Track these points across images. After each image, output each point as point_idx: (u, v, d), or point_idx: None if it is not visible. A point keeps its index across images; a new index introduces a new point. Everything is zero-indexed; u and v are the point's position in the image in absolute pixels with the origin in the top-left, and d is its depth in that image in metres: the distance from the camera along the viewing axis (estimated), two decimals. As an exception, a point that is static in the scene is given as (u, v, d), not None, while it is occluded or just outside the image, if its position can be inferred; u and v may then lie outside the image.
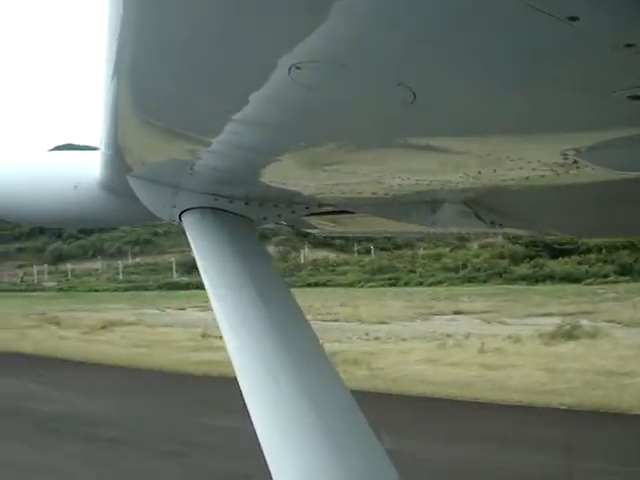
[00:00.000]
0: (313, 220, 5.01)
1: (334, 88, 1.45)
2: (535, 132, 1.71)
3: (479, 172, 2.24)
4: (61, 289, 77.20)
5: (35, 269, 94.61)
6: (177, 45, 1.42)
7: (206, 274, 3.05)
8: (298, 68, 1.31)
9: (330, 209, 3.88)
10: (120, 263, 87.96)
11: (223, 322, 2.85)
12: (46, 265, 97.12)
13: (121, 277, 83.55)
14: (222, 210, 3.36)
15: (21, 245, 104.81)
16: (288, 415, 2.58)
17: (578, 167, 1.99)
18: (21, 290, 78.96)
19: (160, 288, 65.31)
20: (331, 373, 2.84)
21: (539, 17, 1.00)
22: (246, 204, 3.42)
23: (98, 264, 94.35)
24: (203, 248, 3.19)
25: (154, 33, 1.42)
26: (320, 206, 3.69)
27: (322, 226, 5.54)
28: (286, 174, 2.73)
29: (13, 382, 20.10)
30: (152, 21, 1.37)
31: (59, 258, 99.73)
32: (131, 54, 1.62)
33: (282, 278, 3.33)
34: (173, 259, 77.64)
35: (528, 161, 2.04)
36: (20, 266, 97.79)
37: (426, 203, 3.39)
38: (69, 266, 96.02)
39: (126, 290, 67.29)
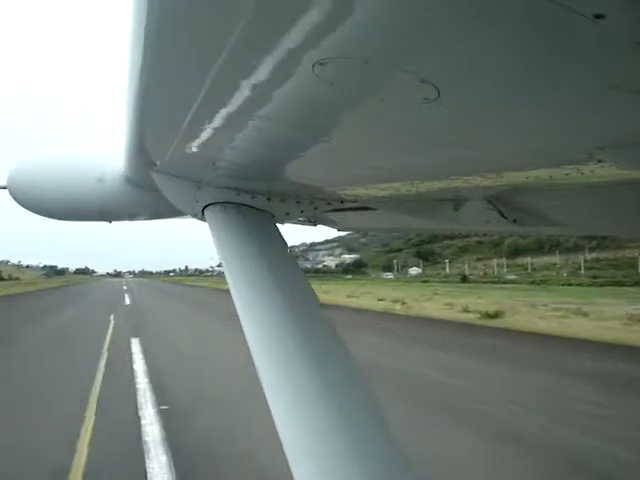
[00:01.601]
0: (335, 216, 5.01)
1: (357, 84, 1.45)
2: (559, 130, 1.70)
3: (502, 169, 2.23)
4: (533, 282, 78.25)
5: (494, 262, 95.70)
6: (201, 39, 1.43)
7: (228, 269, 3.07)
8: (322, 64, 1.31)
9: (352, 205, 3.88)
10: (581, 257, 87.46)
11: (244, 317, 2.86)
12: (504, 258, 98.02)
13: (583, 272, 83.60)
14: (244, 205, 3.37)
15: (480, 239, 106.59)
16: (307, 410, 2.57)
17: (602, 166, 1.97)
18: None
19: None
20: (353, 370, 2.82)
21: (564, 14, 0.99)
22: (268, 199, 3.43)
23: (555, 258, 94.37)
24: (225, 243, 3.21)
25: (178, 26, 1.43)
26: (342, 202, 3.69)
27: (344, 223, 5.55)
28: (308, 170, 2.74)
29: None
30: (177, 13, 1.38)
31: (516, 251, 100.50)
32: (156, 47, 1.64)
33: (303, 274, 3.33)
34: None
35: (552, 159, 2.03)
36: (478, 259, 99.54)
37: (449, 200, 3.38)
38: (528, 259, 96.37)
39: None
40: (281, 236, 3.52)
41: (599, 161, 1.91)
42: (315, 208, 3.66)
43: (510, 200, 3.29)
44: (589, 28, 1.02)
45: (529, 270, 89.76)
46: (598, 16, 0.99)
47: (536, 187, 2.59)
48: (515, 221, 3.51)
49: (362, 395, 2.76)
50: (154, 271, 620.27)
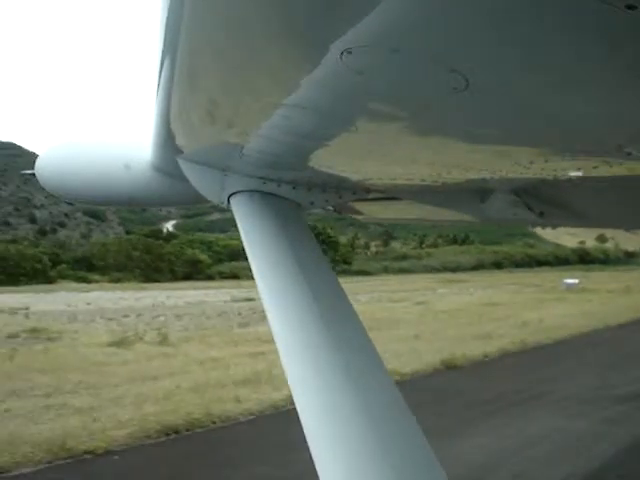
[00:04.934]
0: (359, 206, 5.01)
1: (385, 73, 1.44)
2: (589, 122, 1.68)
3: (531, 162, 2.21)
4: None
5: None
6: (230, 29, 1.44)
7: (253, 256, 3.08)
8: (350, 53, 1.31)
9: (377, 195, 3.87)
10: None
11: (268, 304, 2.87)
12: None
13: None
14: (270, 194, 3.38)
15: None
16: (332, 403, 2.56)
17: (632, 159, 1.95)
18: None
19: None
20: (377, 363, 2.80)
21: (596, 5, 0.98)
22: (294, 188, 3.43)
23: None
24: (250, 231, 3.22)
25: (208, 15, 1.44)
26: (367, 192, 3.69)
27: (368, 212, 5.54)
28: (335, 159, 2.74)
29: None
30: (206, 3, 1.39)
31: None
32: (185, 37, 1.65)
33: (328, 263, 3.33)
34: None
35: (581, 151, 2.01)
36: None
37: (475, 192, 3.36)
38: None
39: None
40: (306, 224, 3.52)
41: (628, 154, 1.89)
42: (340, 197, 3.66)
43: (538, 193, 3.27)
44: (621, 19, 1.01)
45: None
46: (630, 7, 0.98)
47: (564, 180, 2.56)
48: (542, 214, 3.48)
49: (386, 389, 2.74)
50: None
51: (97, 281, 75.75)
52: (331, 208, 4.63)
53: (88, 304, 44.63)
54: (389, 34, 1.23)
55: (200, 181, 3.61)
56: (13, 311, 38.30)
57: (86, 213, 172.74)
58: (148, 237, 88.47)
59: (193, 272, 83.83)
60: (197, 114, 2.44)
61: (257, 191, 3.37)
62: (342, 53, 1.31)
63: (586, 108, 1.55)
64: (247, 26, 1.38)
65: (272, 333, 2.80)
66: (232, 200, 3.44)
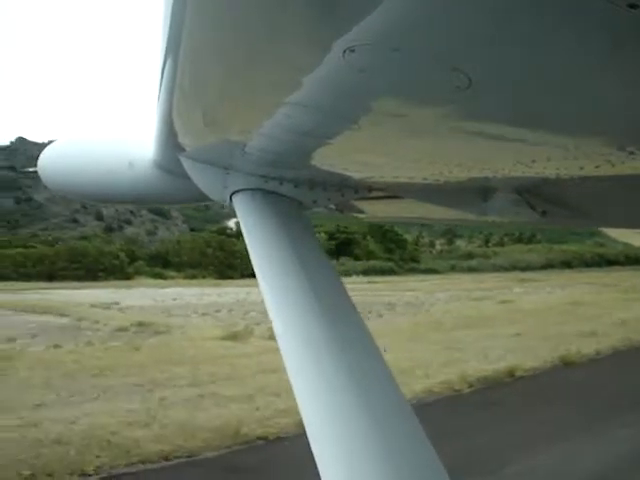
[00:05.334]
0: (362, 204, 5.01)
1: (388, 72, 1.44)
2: (591, 121, 1.68)
3: (533, 161, 2.21)
4: None
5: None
6: (232, 26, 1.44)
7: (255, 255, 3.09)
8: (352, 51, 1.31)
9: (380, 194, 3.87)
10: None
11: (270, 302, 2.87)
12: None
13: None
14: (272, 192, 3.39)
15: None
16: (334, 401, 2.56)
17: (634, 158, 1.94)
18: None
19: None
20: (379, 362, 2.80)
21: (598, 3, 0.98)
22: (296, 187, 3.44)
23: None
24: (252, 229, 3.22)
25: (210, 13, 1.44)
26: (370, 191, 3.69)
27: (371, 211, 5.54)
28: (337, 158, 2.74)
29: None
30: (208, 0, 1.39)
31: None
32: (188, 35, 1.65)
33: (330, 262, 3.33)
34: None
35: (583, 151, 2.00)
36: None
37: (477, 191, 3.36)
38: None
39: None
40: (308, 223, 3.52)
41: (631, 153, 1.89)
42: (342, 196, 3.66)
43: (540, 192, 3.26)
44: (623, 18, 1.01)
45: None
46: (633, 6, 0.98)
47: (566, 179, 2.56)
48: (544, 213, 3.48)
49: (389, 388, 2.74)
50: None
51: (172, 277, 79.22)
52: (333, 207, 4.63)
53: (174, 299, 47.55)
54: (392, 32, 1.23)
55: (202, 179, 3.61)
56: (105, 306, 41.01)
57: (151, 211, 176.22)
58: (220, 234, 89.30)
59: None
60: (199, 112, 2.44)
61: (259, 189, 3.38)
62: (345, 51, 1.31)
63: (588, 107, 1.55)
64: (249, 24, 1.38)
65: (274, 331, 2.80)
66: (234, 198, 3.44)
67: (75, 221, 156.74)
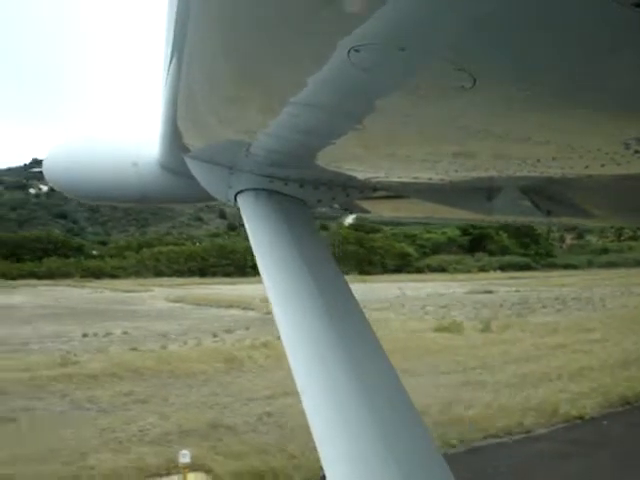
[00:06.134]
0: (367, 204, 5.01)
1: (392, 71, 1.44)
2: (596, 121, 1.68)
3: (537, 160, 2.21)
4: None
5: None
6: (238, 27, 1.44)
7: (259, 255, 3.09)
8: (357, 51, 1.31)
9: (384, 193, 3.87)
10: None
11: (275, 301, 2.87)
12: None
13: None
14: (277, 192, 3.39)
15: None
16: (339, 400, 2.55)
17: (639, 157, 1.94)
18: None
19: None
20: (383, 360, 2.80)
21: (603, 2, 0.98)
22: (300, 187, 3.44)
23: None
24: (257, 229, 3.23)
25: (215, 13, 1.44)
26: (374, 190, 3.69)
27: (375, 210, 5.54)
28: (342, 158, 2.74)
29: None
30: (213, 1, 1.39)
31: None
32: (192, 35, 1.65)
33: (334, 260, 3.33)
34: None
35: (588, 150, 2.00)
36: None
37: (482, 190, 3.36)
38: None
39: None
40: (313, 222, 3.52)
41: (636, 152, 1.89)
42: (347, 195, 3.66)
43: (545, 191, 3.26)
44: (628, 17, 1.01)
45: None
46: (638, 5, 0.98)
47: (571, 178, 2.56)
48: (549, 212, 3.47)
49: (393, 388, 2.74)
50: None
51: None
52: (338, 206, 4.64)
53: None
54: (396, 32, 1.23)
55: (207, 179, 3.62)
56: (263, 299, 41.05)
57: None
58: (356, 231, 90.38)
59: (402, 265, 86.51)
60: (204, 113, 2.44)
61: (264, 189, 3.38)
62: (350, 51, 1.31)
63: (593, 106, 1.54)
64: (254, 25, 1.38)
65: (279, 330, 2.80)
66: (239, 198, 3.44)
67: (199, 219, 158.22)
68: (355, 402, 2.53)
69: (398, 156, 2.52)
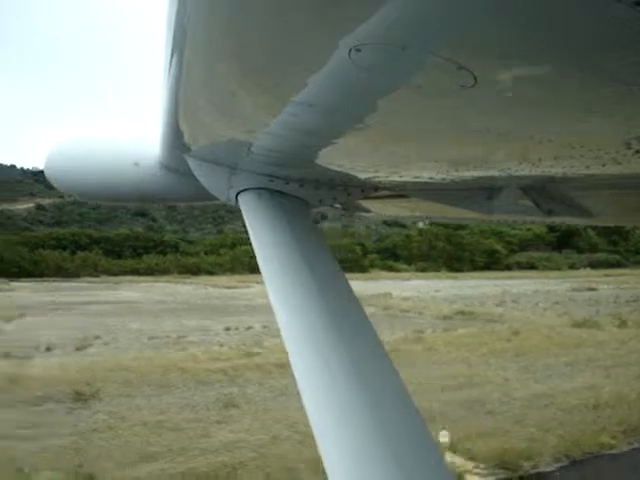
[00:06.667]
0: (368, 203, 5.02)
1: (394, 71, 1.44)
2: (597, 119, 1.67)
3: (539, 159, 2.21)
4: None
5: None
6: (238, 26, 1.44)
7: (260, 254, 3.09)
8: (358, 50, 1.31)
9: (386, 193, 3.87)
10: None
11: (276, 301, 2.88)
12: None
13: None
14: (277, 191, 3.39)
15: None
16: (340, 400, 2.55)
17: None
18: None
19: None
20: (384, 360, 2.80)
21: (604, 1, 0.98)
22: (301, 186, 3.44)
23: None
24: (258, 229, 3.23)
25: (215, 11, 1.44)
26: (376, 189, 3.69)
27: (377, 209, 5.54)
28: (343, 157, 2.74)
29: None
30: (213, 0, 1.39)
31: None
32: (193, 34, 1.65)
33: (336, 260, 3.34)
34: None
35: (589, 149, 2.00)
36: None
37: (483, 189, 3.36)
38: None
39: None
40: (314, 222, 3.52)
41: (637, 152, 1.89)
42: (348, 195, 3.66)
43: (545, 190, 3.26)
44: (629, 15, 1.00)
45: None
46: (639, 3, 0.97)
47: (572, 178, 2.55)
48: (550, 212, 3.47)
49: (394, 388, 2.73)
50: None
51: (405, 270, 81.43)
52: (339, 205, 4.64)
53: (437, 291, 50.12)
54: (397, 31, 1.23)
55: (208, 179, 3.62)
56: (382, 296, 43.45)
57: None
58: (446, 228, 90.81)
59: (490, 262, 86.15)
60: (205, 112, 2.44)
61: (265, 189, 3.38)
62: (351, 50, 1.31)
63: (595, 105, 1.54)
64: (255, 24, 1.38)
65: (280, 330, 2.80)
66: (240, 198, 3.45)
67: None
68: (356, 401, 2.53)
69: (399, 155, 2.52)
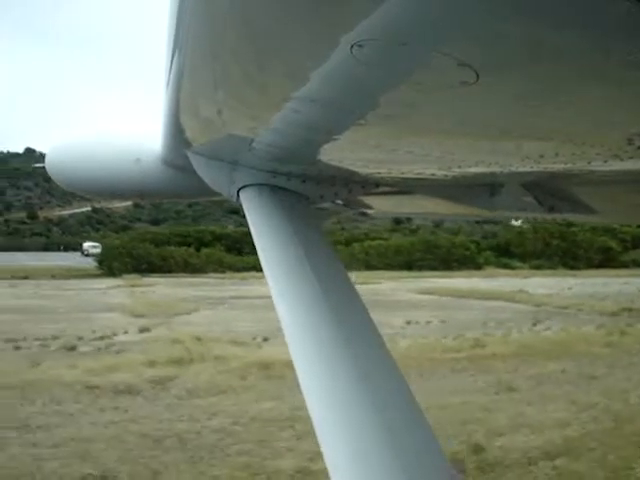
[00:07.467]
0: (370, 200, 5.01)
1: (395, 66, 1.44)
2: (599, 116, 1.67)
3: (540, 155, 2.20)
4: None
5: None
6: (240, 21, 1.43)
7: (262, 250, 3.09)
8: (360, 46, 1.30)
9: (387, 189, 3.87)
10: None
11: (277, 298, 2.88)
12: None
13: None
14: (279, 187, 3.39)
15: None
16: (339, 392, 2.56)
17: None
18: None
19: None
20: (387, 358, 2.80)
21: None
22: (303, 182, 3.44)
23: None
24: (260, 224, 3.22)
25: (216, 7, 1.44)
26: (377, 186, 3.68)
27: (378, 206, 5.54)
28: (344, 153, 2.73)
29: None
30: None
31: None
32: (195, 30, 1.65)
33: (337, 256, 3.33)
34: None
35: (591, 145, 2.00)
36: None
37: (485, 186, 3.35)
38: None
39: None
40: (315, 218, 3.52)
41: (639, 148, 1.88)
42: (350, 191, 3.66)
43: (547, 187, 3.26)
44: (631, 12, 1.00)
45: None
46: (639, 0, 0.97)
47: (574, 174, 2.55)
48: (552, 209, 3.47)
49: (396, 383, 2.73)
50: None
51: (519, 267, 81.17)
52: (340, 202, 4.64)
53: (569, 289, 48.71)
54: (399, 27, 1.22)
55: (210, 175, 3.62)
56: (518, 291, 43.28)
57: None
58: (560, 225, 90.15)
59: (605, 259, 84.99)
60: (206, 108, 2.44)
61: (266, 185, 3.38)
62: (352, 46, 1.31)
63: (597, 101, 1.54)
64: (256, 20, 1.37)
65: (282, 328, 2.80)
66: (241, 194, 3.45)
67: (364, 214, 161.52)
68: (359, 400, 2.53)
69: (401, 152, 2.52)
